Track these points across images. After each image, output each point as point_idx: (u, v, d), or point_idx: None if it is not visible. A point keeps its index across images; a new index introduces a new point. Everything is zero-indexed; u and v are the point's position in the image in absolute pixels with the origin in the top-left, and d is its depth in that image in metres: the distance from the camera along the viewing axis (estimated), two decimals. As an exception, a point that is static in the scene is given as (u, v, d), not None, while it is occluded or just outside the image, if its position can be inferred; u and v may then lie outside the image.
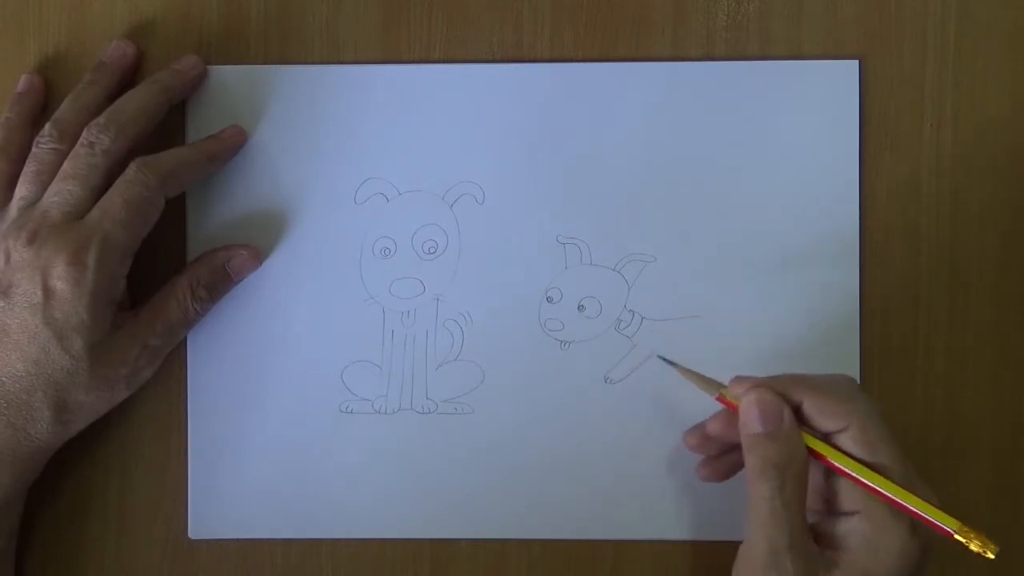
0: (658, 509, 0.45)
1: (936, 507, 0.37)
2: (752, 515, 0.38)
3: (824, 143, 0.46)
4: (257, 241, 0.46)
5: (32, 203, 0.42)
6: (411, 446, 0.46)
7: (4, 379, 0.41)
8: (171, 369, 0.46)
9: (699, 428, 0.43)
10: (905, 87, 0.46)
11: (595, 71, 0.46)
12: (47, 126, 0.43)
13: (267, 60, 0.46)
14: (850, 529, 0.38)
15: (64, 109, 0.43)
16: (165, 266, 0.45)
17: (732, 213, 0.46)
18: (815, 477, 0.40)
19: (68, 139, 0.43)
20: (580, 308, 0.46)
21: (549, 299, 0.46)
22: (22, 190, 0.42)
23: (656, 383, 0.45)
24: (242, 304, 0.46)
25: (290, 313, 0.46)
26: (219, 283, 0.45)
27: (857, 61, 0.46)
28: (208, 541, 0.46)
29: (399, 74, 0.46)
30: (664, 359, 0.44)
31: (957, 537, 0.37)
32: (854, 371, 0.45)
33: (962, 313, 0.46)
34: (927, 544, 0.38)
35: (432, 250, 0.46)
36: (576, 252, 0.46)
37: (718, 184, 0.46)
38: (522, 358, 0.46)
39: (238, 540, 0.46)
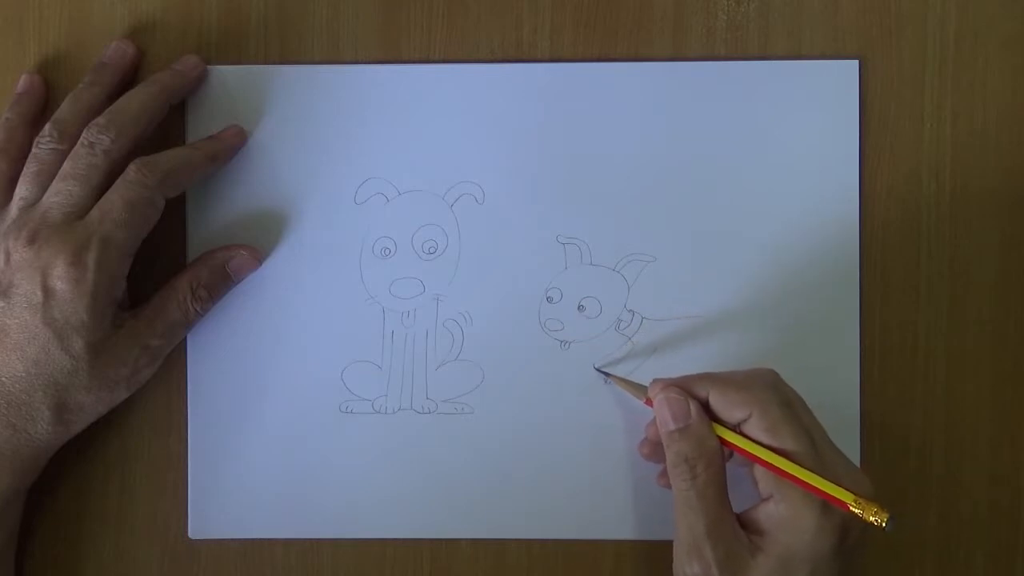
0: (658, 509, 0.45)
1: (836, 482, 0.38)
2: (675, 507, 0.40)
3: (824, 143, 0.46)
4: (257, 241, 0.46)
5: (32, 203, 0.42)
6: (411, 446, 0.46)
7: (4, 379, 0.41)
8: (171, 369, 0.46)
9: (645, 438, 0.45)
10: (905, 87, 0.46)
11: (595, 71, 0.46)
12: (47, 126, 0.43)
13: (267, 60, 0.46)
14: (768, 513, 0.40)
15: (64, 109, 0.43)
16: (165, 266, 0.45)
17: (732, 213, 0.46)
18: (748, 466, 0.41)
19: (68, 139, 0.42)
20: (580, 308, 0.46)
21: (549, 299, 0.46)
22: (22, 190, 0.42)
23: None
24: (242, 304, 0.46)
25: (290, 313, 0.46)
26: (219, 283, 0.45)
27: (857, 61, 0.46)
28: (208, 541, 0.46)
29: (399, 74, 0.46)
30: (599, 370, 0.45)
31: (852, 509, 0.38)
32: (854, 371, 0.45)
33: (962, 313, 0.46)
34: (845, 523, 0.39)
35: (432, 250, 0.46)
36: (576, 252, 0.46)
37: (718, 184, 0.46)
38: (522, 358, 0.46)
39: (238, 540, 0.46)
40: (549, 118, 0.46)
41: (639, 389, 0.43)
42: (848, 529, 0.39)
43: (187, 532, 0.46)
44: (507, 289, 0.46)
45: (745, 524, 0.40)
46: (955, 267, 0.46)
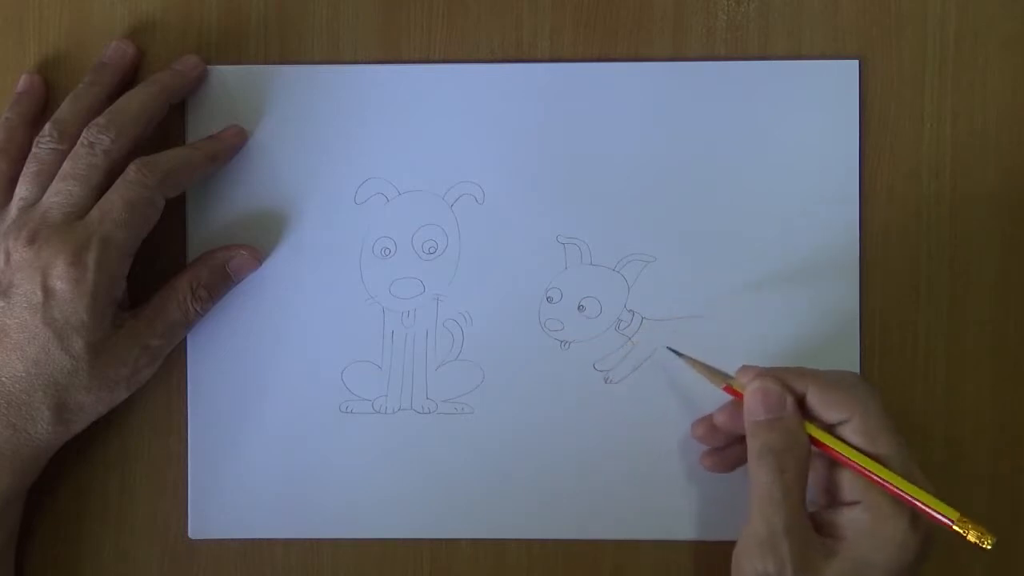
0: (658, 509, 0.45)
1: (935, 497, 0.37)
2: (753, 499, 0.39)
3: (824, 143, 0.46)
4: (257, 241, 0.46)
5: (32, 203, 0.42)
6: (411, 446, 0.46)
7: (4, 379, 0.41)
8: (171, 369, 0.46)
9: (707, 419, 0.44)
10: (905, 87, 0.46)
11: (595, 71, 0.46)
12: (47, 126, 0.43)
13: (267, 60, 0.46)
14: (851, 518, 0.39)
15: (64, 109, 0.43)
16: (165, 266, 0.45)
17: (732, 213, 0.46)
18: (819, 469, 0.41)
19: (68, 139, 0.42)
20: (580, 308, 0.46)
21: (549, 299, 0.46)
22: (22, 190, 0.42)
23: (656, 383, 0.45)
24: (242, 304, 0.46)
25: (290, 313, 0.46)
26: (219, 283, 0.45)
27: (857, 61, 0.46)
28: (208, 541, 0.46)
29: (399, 74, 0.46)
30: (673, 350, 0.44)
31: (956, 528, 0.37)
32: (854, 371, 0.45)
33: (962, 313, 0.46)
34: (927, 536, 0.38)
35: (432, 250, 0.46)
36: (576, 252, 0.46)
37: (718, 184, 0.46)
38: (522, 358, 0.46)
39: (238, 540, 0.46)
40: (549, 118, 0.46)
41: (716, 375, 0.42)
42: (929, 544, 0.38)
43: (187, 532, 0.46)
44: (507, 289, 0.46)
45: (818, 526, 0.39)
46: (955, 267, 0.46)
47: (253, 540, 0.46)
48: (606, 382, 0.46)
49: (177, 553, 0.46)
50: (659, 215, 0.46)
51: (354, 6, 0.47)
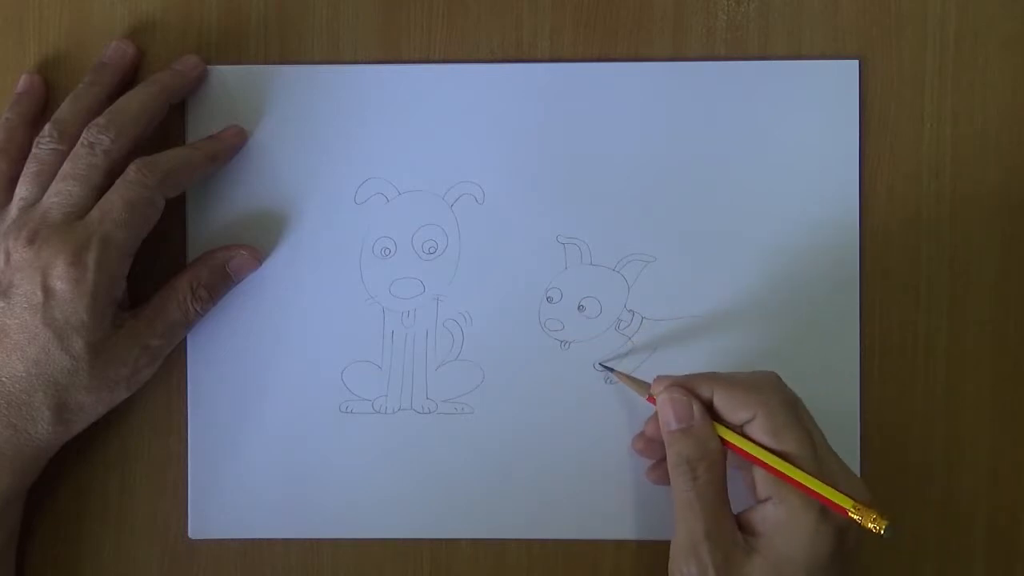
0: (658, 509, 0.45)
1: (836, 487, 0.38)
2: (675, 507, 0.40)
3: (824, 143, 0.46)
4: (257, 241, 0.46)
5: (32, 203, 0.42)
6: (411, 446, 0.46)
7: (4, 379, 0.41)
8: (171, 369, 0.46)
9: (641, 433, 0.45)
10: (905, 87, 0.46)
11: (595, 71, 0.46)
12: (47, 126, 0.43)
13: (267, 60, 0.46)
14: (765, 515, 0.39)
15: (64, 109, 0.43)
16: (165, 266, 0.45)
17: (732, 213, 0.46)
18: (746, 469, 0.41)
19: (68, 139, 0.42)
20: (580, 308, 0.46)
21: (549, 299, 0.46)
22: (22, 190, 0.42)
23: (656, 383, 0.45)
24: (242, 304, 0.46)
25: (290, 313, 0.46)
26: (219, 283, 0.45)
27: (857, 61, 0.46)
28: (208, 541, 0.46)
29: (399, 74, 0.46)
30: (602, 365, 0.45)
31: (851, 515, 0.38)
32: (854, 371, 0.45)
33: (962, 313, 0.46)
34: (841, 527, 0.38)
35: (432, 250, 0.46)
36: (576, 252, 0.46)
37: (718, 184, 0.46)
38: (522, 358, 0.46)
39: (238, 540, 0.46)
40: (549, 118, 0.46)
41: (641, 386, 0.43)
42: (845, 535, 0.39)
43: (187, 532, 0.46)
44: (507, 289, 0.46)
45: (741, 525, 0.40)
46: (955, 267, 0.46)
47: (253, 540, 0.46)
48: (606, 382, 0.46)
49: (177, 553, 0.46)
50: (659, 215, 0.46)
51: (354, 6, 0.47)
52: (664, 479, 0.43)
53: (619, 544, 0.46)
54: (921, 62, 0.46)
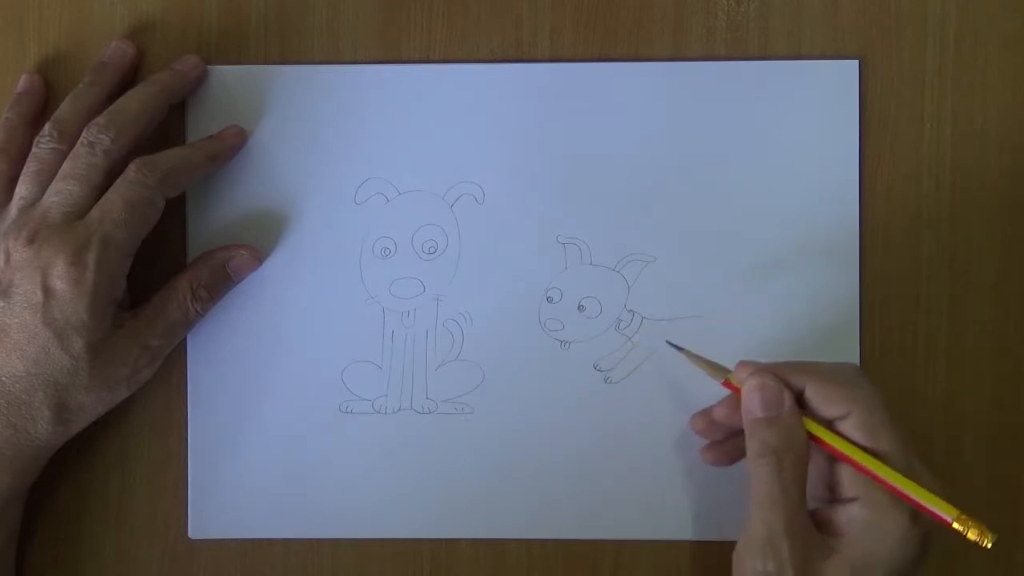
0: (658, 509, 0.45)
1: (935, 495, 0.37)
2: (752, 499, 0.39)
3: (824, 143, 0.46)
4: (257, 241, 0.46)
5: (32, 203, 0.42)
6: (411, 446, 0.46)
7: (4, 379, 0.41)
8: (171, 369, 0.46)
9: (706, 412, 0.43)
10: (905, 87, 0.46)
11: (595, 71, 0.46)
12: (47, 126, 0.43)
13: (267, 60, 0.46)
14: (851, 516, 0.38)
15: (64, 109, 0.43)
16: (165, 266, 0.45)
17: (732, 213, 0.46)
18: (820, 465, 0.40)
19: (68, 139, 0.42)
20: (580, 308, 0.46)
21: (549, 299, 0.46)
22: (22, 190, 0.42)
23: (656, 383, 0.45)
24: (242, 304, 0.46)
25: (290, 313, 0.46)
26: (219, 283, 0.45)
27: (857, 61, 0.46)
28: (208, 541, 0.46)
29: (399, 74, 0.46)
30: (673, 344, 0.44)
31: (955, 525, 0.37)
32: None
33: (962, 313, 0.46)
34: (928, 532, 0.38)
35: (432, 250, 0.46)
36: (576, 252, 0.46)
37: (718, 184, 0.46)
38: (522, 358, 0.46)
39: (238, 540, 0.46)
40: (549, 118, 0.46)
41: (717, 369, 0.42)
42: (930, 542, 0.38)
43: (187, 532, 0.46)
44: (507, 289, 0.46)
45: (819, 523, 0.39)
46: (955, 267, 0.46)
47: (253, 540, 0.46)
48: (606, 382, 0.46)
49: (177, 553, 0.46)
50: (659, 215, 0.46)
51: (354, 6, 0.47)
52: (720, 460, 0.42)
53: (619, 544, 0.46)
54: (921, 62, 0.46)
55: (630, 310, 0.46)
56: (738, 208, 0.46)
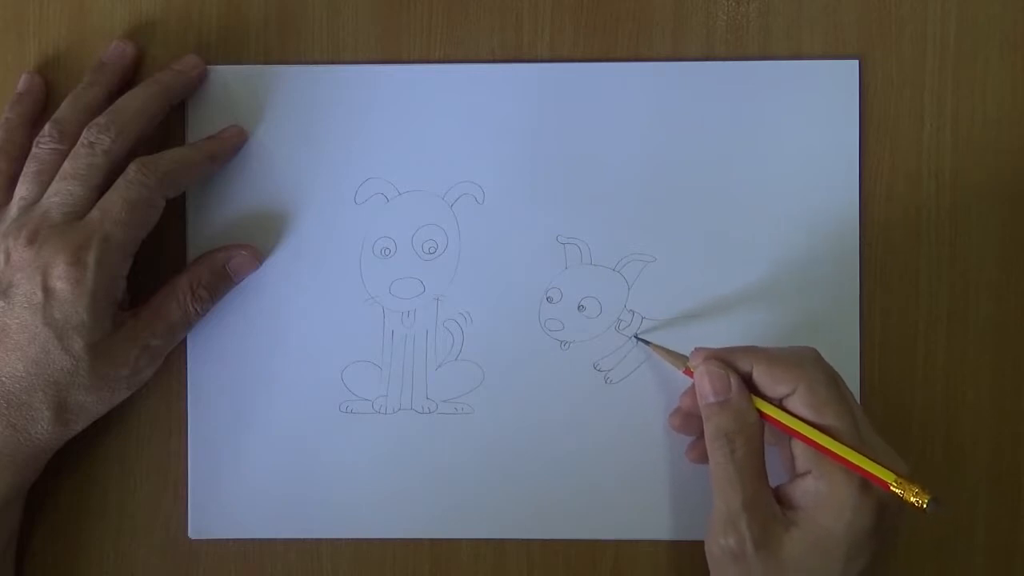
0: (658, 509, 0.45)
1: (877, 461, 0.38)
2: (712, 481, 0.40)
3: (824, 143, 0.46)
4: (257, 241, 0.46)
5: (32, 203, 0.42)
6: (411, 446, 0.46)
7: (4, 379, 0.41)
8: (171, 369, 0.46)
9: (678, 408, 0.44)
10: (905, 87, 0.46)
11: (595, 71, 0.46)
12: (47, 126, 0.43)
13: (267, 60, 0.46)
14: (805, 489, 0.40)
15: (64, 109, 0.43)
16: (165, 266, 0.45)
17: (732, 213, 0.46)
18: (784, 443, 0.41)
19: (68, 139, 0.43)
20: (580, 308, 0.46)
21: (549, 299, 0.46)
22: (22, 190, 0.42)
23: (656, 383, 0.45)
24: (242, 304, 0.46)
25: (290, 313, 0.46)
26: (219, 283, 0.45)
27: (857, 61, 0.46)
28: (208, 541, 0.46)
29: (399, 74, 0.46)
30: (640, 339, 0.45)
31: (893, 488, 0.37)
32: (854, 370, 0.45)
33: (962, 312, 0.46)
34: (880, 501, 0.38)
35: (432, 250, 0.46)
36: (576, 252, 0.46)
37: (718, 184, 0.46)
38: (522, 358, 0.46)
39: (238, 540, 0.46)
40: (549, 118, 0.46)
41: (678, 358, 0.43)
42: (885, 509, 0.38)
43: (187, 532, 0.46)
44: (507, 289, 0.46)
45: (780, 499, 0.40)
46: (955, 267, 0.46)
47: (253, 540, 0.46)
48: (606, 382, 0.46)
49: (177, 553, 0.46)
50: (659, 215, 0.46)
51: (354, 6, 0.47)
52: (703, 458, 0.43)
53: (619, 544, 0.46)
54: (921, 62, 0.46)
55: (630, 310, 0.46)
56: (738, 208, 0.46)
